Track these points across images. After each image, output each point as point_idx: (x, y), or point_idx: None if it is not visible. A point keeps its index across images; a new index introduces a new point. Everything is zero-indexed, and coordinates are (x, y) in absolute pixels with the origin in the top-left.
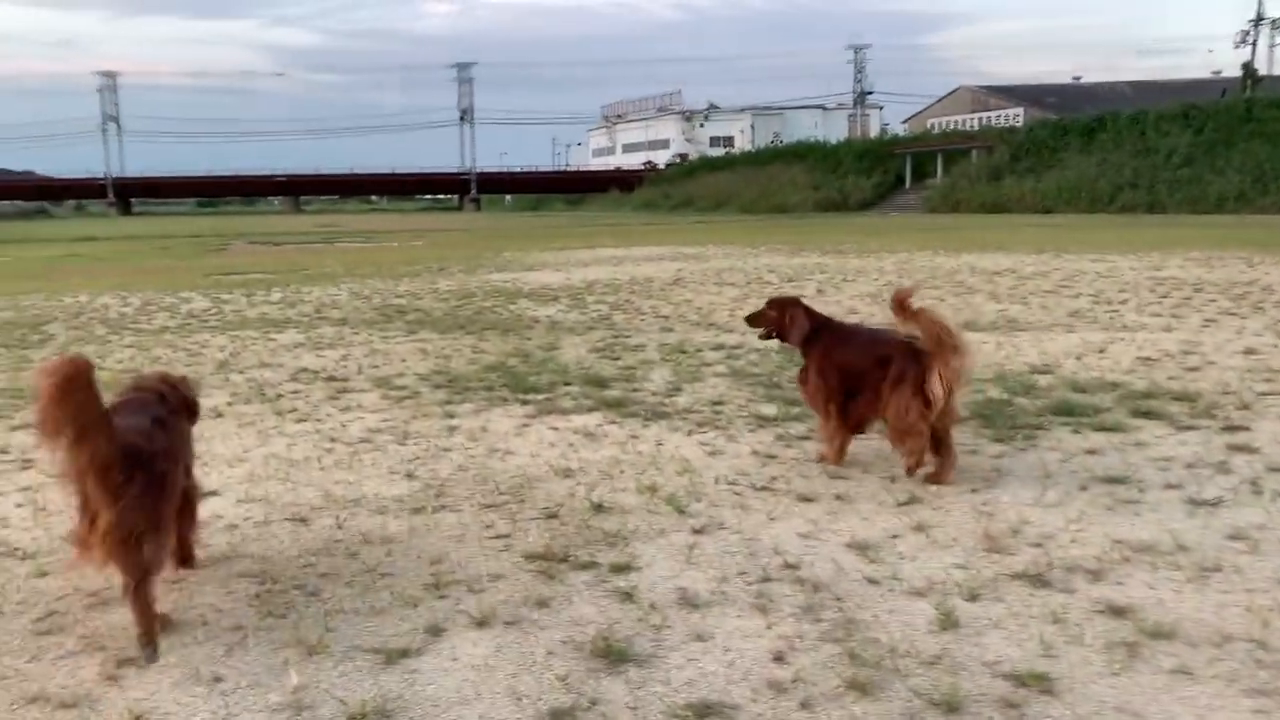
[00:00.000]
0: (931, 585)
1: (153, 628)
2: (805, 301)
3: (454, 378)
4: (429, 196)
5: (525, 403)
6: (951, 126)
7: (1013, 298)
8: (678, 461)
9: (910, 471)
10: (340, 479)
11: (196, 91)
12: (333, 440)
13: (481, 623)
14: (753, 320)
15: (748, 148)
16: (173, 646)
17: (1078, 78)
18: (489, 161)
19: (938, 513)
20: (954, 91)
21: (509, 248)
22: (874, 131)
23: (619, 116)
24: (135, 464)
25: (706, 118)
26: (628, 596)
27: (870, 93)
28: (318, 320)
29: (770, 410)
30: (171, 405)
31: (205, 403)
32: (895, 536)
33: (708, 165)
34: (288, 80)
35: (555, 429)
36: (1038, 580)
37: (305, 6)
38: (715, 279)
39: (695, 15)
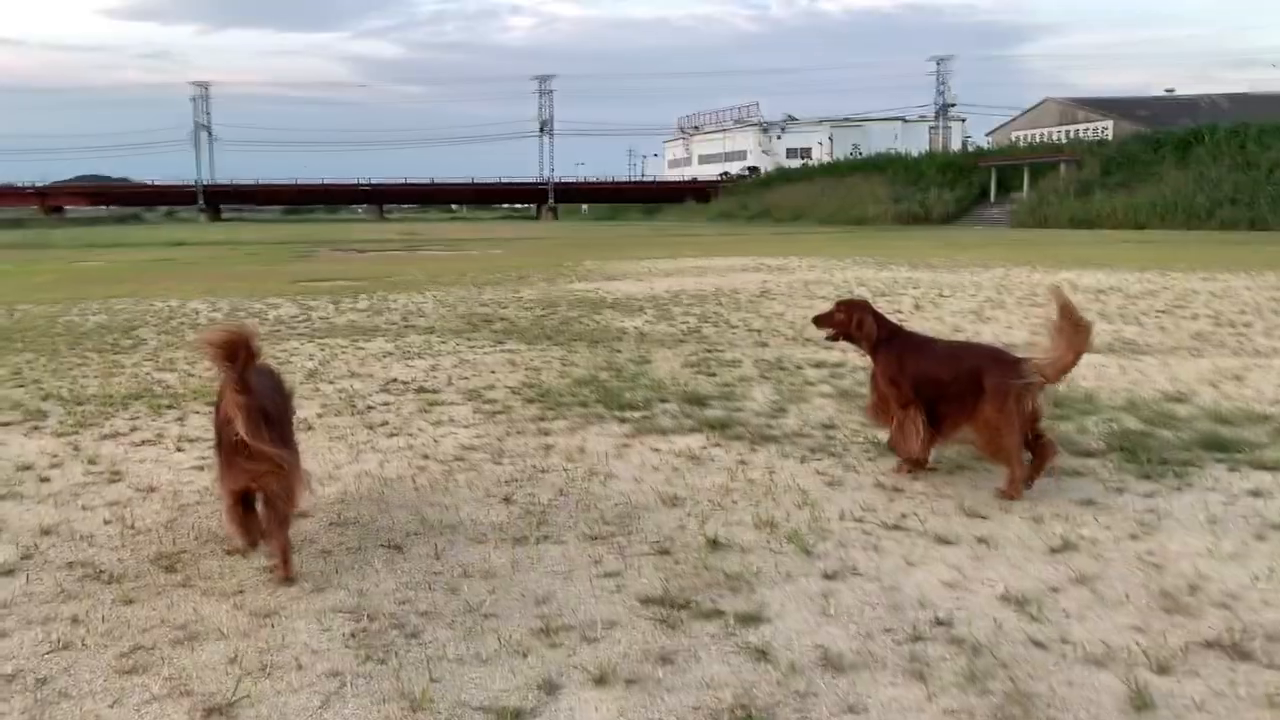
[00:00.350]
0: (1110, 652)
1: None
2: (876, 307)
3: (545, 391)
4: (507, 205)
5: (622, 420)
6: (1038, 139)
7: (1125, 318)
8: (795, 492)
9: (1014, 491)
10: (435, 501)
11: (284, 101)
12: (425, 457)
13: (600, 680)
14: (820, 321)
15: (825, 159)
16: (264, 695)
17: (1170, 90)
18: (566, 171)
19: (1098, 561)
20: (1041, 104)
21: (588, 257)
22: (956, 144)
23: (695, 128)
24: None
25: (784, 129)
26: (762, 654)
27: (953, 105)
28: (405, 329)
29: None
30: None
31: (296, 414)
32: (1055, 589)
33: (785, 177)
34: (372, 91)
35: (657, 450)
36: (1235, 651)
37: (390, 19)
38: (804, 291)
39: (774, 28)
